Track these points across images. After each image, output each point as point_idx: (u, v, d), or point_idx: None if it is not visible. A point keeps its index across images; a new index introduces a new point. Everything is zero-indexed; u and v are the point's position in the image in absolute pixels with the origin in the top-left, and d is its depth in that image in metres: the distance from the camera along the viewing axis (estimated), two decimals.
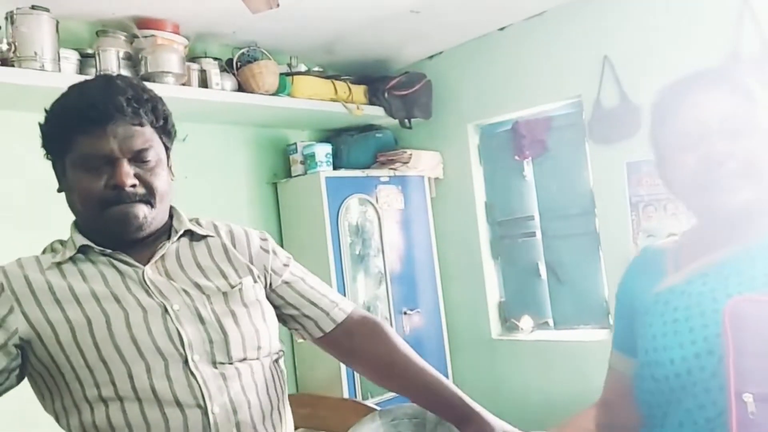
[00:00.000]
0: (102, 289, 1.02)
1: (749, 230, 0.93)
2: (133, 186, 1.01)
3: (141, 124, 1.02)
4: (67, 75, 2.24)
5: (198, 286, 1.06)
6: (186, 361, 0.99)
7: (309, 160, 3.14)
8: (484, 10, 2.90)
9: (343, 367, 2.94)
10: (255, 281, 1.13)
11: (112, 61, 2.34)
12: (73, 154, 1.02)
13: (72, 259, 1.05)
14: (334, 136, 3.45)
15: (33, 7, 2.12)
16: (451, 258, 3.45)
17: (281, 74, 2.92)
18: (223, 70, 2.77)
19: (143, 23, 2.54)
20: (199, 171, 2.94)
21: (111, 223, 1.03)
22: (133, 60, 2.49)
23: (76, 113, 1.00)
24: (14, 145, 2.39)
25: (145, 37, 2.52)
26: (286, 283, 1.20)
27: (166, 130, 1.08)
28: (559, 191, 3.12)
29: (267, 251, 1.20)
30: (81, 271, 1.03)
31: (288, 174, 3.24)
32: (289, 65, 3.09)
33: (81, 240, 1.05)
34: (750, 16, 2.35)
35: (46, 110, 1.05)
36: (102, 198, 1.01)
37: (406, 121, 3.36)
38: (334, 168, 3.19)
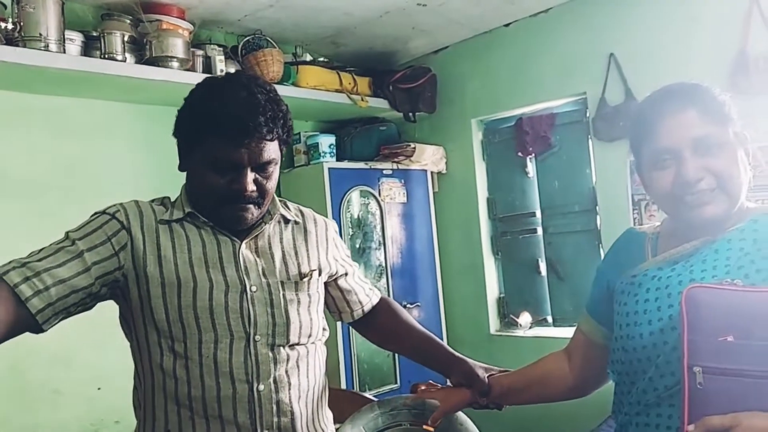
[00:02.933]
0: (199, 254, 1.15)
1: (717, 228, 1.05)
2: (252, 191, 1.14)
3: (271, 140, 1.14)
4: (72, 56, 2.24)
5: (277, 271, 1.20)
6: (248, 340, 1.14)
7: (312, 150, 3.13)
8: (490, 6, 2.89)
9: (341, 358, 2.93)
10: (320, 274, 1.28)
11: (117, 44, 2.34)
12: (204, 151, 1.13)
13: (180, 220, 1.17)
14: (338, 127, 3.44)
15: None
16: (452, 253, 3.44)
17: (286, 63, 2.91)
18: (227, 57, 2.76)
19: (149, 7, 2.53)
20: None
21: (224, 218, 1.16)
22: (138, 44, 2.48)
23: (217, 120, 1.10)
24: (18, 124, 2.39)
25: (151, 21, 2.51)
26: (352, 273, 1.40)
27: (287, 141, 1.21)
28: (562, 188, 3.11)
29: (336, 244, 1.36)
30: (186, 233, 1.17)
31: (291, 164, 3.23)
32: (295, 54, 3.08)
33: (189, 208, 1.18)
34: (758, 15, 2.34)
35: (185, 100, 1.17)
36: (222, 195, 1.13)
37: (411, 114, 3.35)
38: (338, 159, 3.18)
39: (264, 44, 2.85)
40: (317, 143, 3.11)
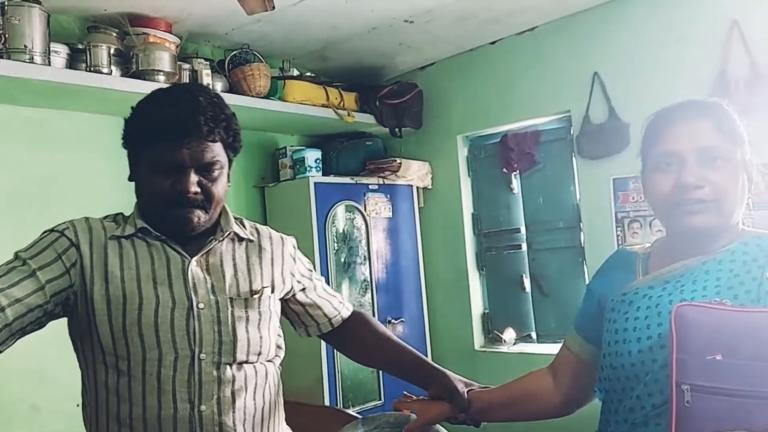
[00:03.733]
0: (147, 270, 1.14)
1: (708, 246, 1.06)
2: (195, 193, 1.14)
3: (213, 141, 1.15)
4: (57, 69, 2.22)
5: (226, 288, 1.18)
6: (193, 358, 1.12)
7: (298, 165, 3.13)
8: (476, 24, 2.92)
9: (325, 374, 2.91)
10: (273, 291, 1.26)
11: (102, 56, 2.32)
12: (149, 155, 1.14)
13: (131, 236, 1.17)
14: (323, 142, 3.45)
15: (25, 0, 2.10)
16: (436, 268, 3.45)
17: (273, 78, 2.91)
18: (214, 71, 2.75)
19: (136, 20, 2.52)
20: None
21: (170, 222, 1.16)
22: (124, 57, 2.47)
23: (158, 122, 1.12)
24: (1, 137, 2.36)
25: (137, 34, 2.50)
26: (313, 287, 1.38)
27: (233, 146, 1.21)
28: (546, 205, 3.14)
29: (295, 259, 1.35)
30: (135, 249, 1.16)
31: (276, 178, 3.23)
32: (282, 69, 3.09)
33: (141, 223, 1.17)
34: (739, 38, 2.39)
35: (132, 108, 1.18)
36: (166, 198, 1.14)
37: (397, 129, 3.36)
38: (323, 174, 3.18)
39: (251, 58, 2.85)
40: (303, 157, 3.11)
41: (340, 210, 3.15)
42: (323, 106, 3.09)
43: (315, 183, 3.04)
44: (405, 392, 1.43)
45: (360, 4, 2.63)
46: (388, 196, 3.34)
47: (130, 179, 1.21)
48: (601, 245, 2.75)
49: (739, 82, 2.36)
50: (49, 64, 2.19)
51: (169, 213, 1.14)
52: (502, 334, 3.22)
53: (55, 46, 2.24)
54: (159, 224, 1.17)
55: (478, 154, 3.37)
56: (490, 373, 3.11)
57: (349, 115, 3.17)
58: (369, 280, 3.22)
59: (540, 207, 3.16)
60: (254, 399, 1.19)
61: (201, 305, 1.14)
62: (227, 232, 1.23)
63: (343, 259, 3.15)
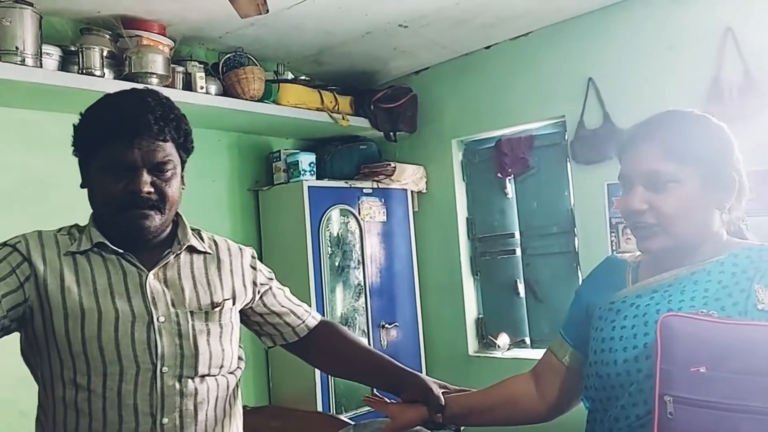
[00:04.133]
0: (104, 285, 1.12)
1: (687, 259, 1.06)
2: (149, 193, 1.12)
3: (164, 140, 1.13)
4: (49, 71, 2.21)
5: (186, 301, 1.17)
6: (155, 372, 1.11)
7: (292, 168, 3.12)
8: (471, 28, 2.92)
9: (317, 380, 2.90)
10: (234, 303, 1.25)
11: (95, 59, 2.31)
12: (100, 158, 1.12)
13: (86, 251, 1.15)
14: (318, 145, 3.44)
15: (16, 1, 2.09)
16: (431, 273, 3.44)
17: (267, 81, 2.90)
18: (208, 74, 2.74)
19: (129, 23, 2.51)
20: None
21: (124, 225, 1.13)
22: (117, 59, 2.45)
23: (108, 123, 1.11)
24: None
25: (131, 37, 2.49)
26: (273, 295, 1.36)
27: (185, 146, 1.20)
28: (540, 210, 3.14)
29: (255, 268, 1.33)
30: (91, 264, 1.14)
31: (270, 182, 3.21)
32: (276, 72, 3.08)
33: (98, 237, 1.15)
34: (733, 44, 2.39)
35: (81, 114, 1.16)
36: (119, 200, 1.11)
37: (391, 134, 3.36)
38: (318, 178, 3.17)
39: (245, 62, 2.84)
40: (297, 161, 3.10)
41: (334, 214, 3.13)
42: (318, 109, 3.08)
43: (309, 187, 3.02)
44: (375, 391, 1.42)
45: (354, 8, 2.62)
46: (383, 200, 3.33)
47: (82, 186, 1.19)
48: (596, 251, 2.75)
49: (733, 89, 2.36)
50: (41, 66, 2.17)
51: (122, 216, 1.12)
52: (496, 339, 3.22)
53: (47, 48, 2.22)
54: (115, 236, 1.15)
55: (473, 159, 3.37)
56: (483, 378, 3.07)
57: (343, 118, 3.16)
58: (363, 284, 3.20)
59: (534, 212, 3.16)
60: (215, 411, 1.18)
61: (161, 319, 1.13)
62: (184, 245, 1.21)
63: (337, 263, 3.13)
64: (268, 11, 1.94)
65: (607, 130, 2.71)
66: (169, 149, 1.14)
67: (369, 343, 3.16)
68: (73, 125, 1.17)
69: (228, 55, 2.84)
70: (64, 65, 2.30)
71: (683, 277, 1.05)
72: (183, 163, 1.21)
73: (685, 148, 1.04)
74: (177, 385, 1.12)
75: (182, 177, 1.21)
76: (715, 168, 1.04)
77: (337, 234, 3.16)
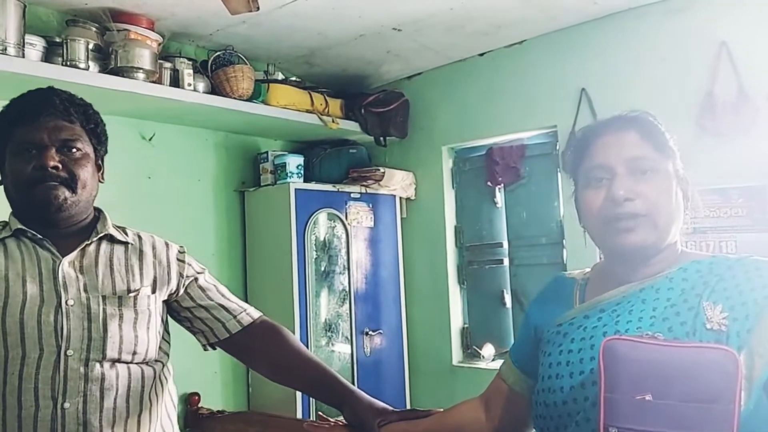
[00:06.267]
0: (17, 270, 1.13)
1: (645, 268, 1.01)
2: (56, 168, 1.14)
3: (71, 121, 1.18)
4: (32, 62, 2.15)
5: (100, 286, 1.17)
6: (59, 354, 1.09)
7: (280, 170, 3.07)
8: (465, 35, 2.89)
9: None
10: (153, 292, 1.24)
11: (80, 51, 2.25)
12: (11, 145, 1.17)
13: (4, 239, 1.17)
14: (306, 148, 3.39)
15: None
16: (417, 280, 3.40)
17: (257, 81, 2.86)
18: (196, 71, 2.69)
19: (117, 16, 2.46)
20: (164, 172, 2.85)
21: (34, 201, 1.15)
22: (103, 53, 2.40)
23: (14, 110, 1.18)
24: None
25: (118, 30, 2.43)
26: (200, 288, 1.33)
27: (95, 133, 1.23)
28: (530, 220, 3.11)
29: (183, 261, 1.32)
30: (6, 250, 1.16)
31: (257, 183, 3.16)
32: (266, 72, 3.04)
33: (16, 224, 1.18)
34: (727, 59, 2.38)
35: None
36: (29, 178, 1.14)
37: (381, 138, 3.32)
38: (305, 180, 3.12)
39: (235, 60, 2.79)
40: (285, 163, 3.05)
41: (321, 217, 3.09)
42: (307, 111, 3.04)
43: (296, 189, 2.98)
44: (320, 413, 1.36)
45: (348, 10, 2.59)
46: (370, 206, 3.29)
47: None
48: (584, 263, 2.70)
49: (727, 104, 2.35)
50: (23, 57, 2.11)
51: (32, 193, 1.14)
52: (480, 349, 3.18)
53: (30, 39, 2.17)
54: (33, 222, 1.18)
55: (463, 166, 3.34)
56: (467, 389, 3.04)
57: (333, 121, 3.12)
58: (348, 290, 3.16)
59: (523, 222, 3.13)
60: (127, 401, 1.15)
61: (71, 302, 1.13)
62: (102, 233, 1.23)
63: (322, 268, 3.08)
64: (258, 9, 1.90)
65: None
66: (77, 131, 1.18)
67: (352, 350, 3.12)
68: None
69: (218, 53, 2.79)
70: (48, 56, 2.24)
71: (631, 294, 1.00)
72: (97, 153, 1.24)
73: (659, 138, 1.02)
74: (82, 369, 1.11)
75: (100, 170, 1.25)
76: (679, 167, 1.03)
77: (324, 238, 3.11)
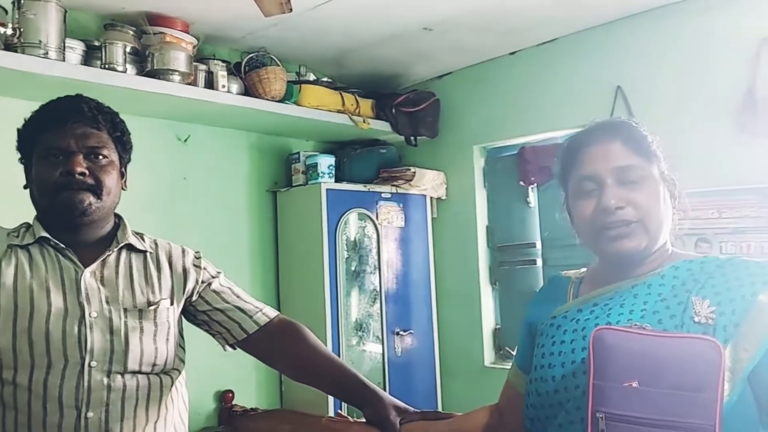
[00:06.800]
0: (41, 279, 1.15)
1: (640, 269, 1.04)
2: (83, 174, 1.16)
3: (98, 129, 1.19)
4: (72, 65, 2.20)
5: (121, 299, 1.19)
6: (83, 366, 1.12)
7: (311, 170, 3.09)
8: (496, 33, 2.87)
9: None
10: (172, 303, 1.25)
11: (118, 54, 2.30)
12: (38, 150, 1.18)
13: (27, 246, 1.18)
14: (337, 148, 3.41)
15: None
16: (448, 280, 3.39)
17: (289, 82, 2.88)
18: (230, 73, 2.73)
19: (153, 19, 2.51)
20: (199, 173, 2.90)
21: (60, 206, 1.17)
22: (140, 56, 2.45)
23: (43, 116, 1.20)
24: (13, 132, 2.34)
25: (154, 33, 2.48)
26: (215, 291, 1.33)
27: (121, 141, 1.24)
28: (563, 220, 3.06)
29: (199, 266, 1.34)
30: (30, 258, 1.17)
31: (288, 183, 3.19)
32: (298, 73, 3.06)
33: (40, 231, 1.19)
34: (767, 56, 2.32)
35: (24, 119, 1.23)
36: (55, 183, 1.16)
37: (412, 138, 3.32)
38: (336, 180, 3.14)
39: (267, 62, 2.83)
40: (316, 163, 3.07)
41: (351, 217, 3.10)
42: (338, 111, 3.05)
43: (327, 189, 2.99)
44: (339, 411, 1.36)
45: (379, 11, 2.59)
46: (401, 205, 3.29)
47: (25, 187, 1.24)
48: None
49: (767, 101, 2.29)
50: (64, 60, 2.17)
51: (58, 198, 1.16)
52: (513, 350, 3.15)
53: (70, 42, 2.22)
54: (57, 232, 1.19)
55: (495, 166, 3.31)
56: (499, 391, 3.03)
57: (364, 121, 3.13)
58: (378, 289, 3.16)
59: (556, 222, 3.08)
60: (147, 410, 1.17)
61: (94, 314, 1.15)
62: (122, 243, 1.24)
63: (353, 268, 3.10)
64: (291, 10, 1.92)
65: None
66: (104, 138, 1.20)
67: (383, 350, 3.13)
68: (17, 130, 1.23)
69: (250, 55, 2.82)
70: (87, 60, 2.30)
71: (624, 290, 1.03)
72: (122, 160, 1.25)
73: (644, 145, 1.04)
74: (105, 380, 1.13)
75: (124, 177, 1.27)
76: (664, 169, 1.06)
77: (354, 238, 3.12)
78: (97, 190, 1.18)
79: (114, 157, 1.22)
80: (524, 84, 3.08)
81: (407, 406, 1.27)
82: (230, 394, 2.87)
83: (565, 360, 1.01)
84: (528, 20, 2.74)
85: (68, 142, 1.16)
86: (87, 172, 1.16)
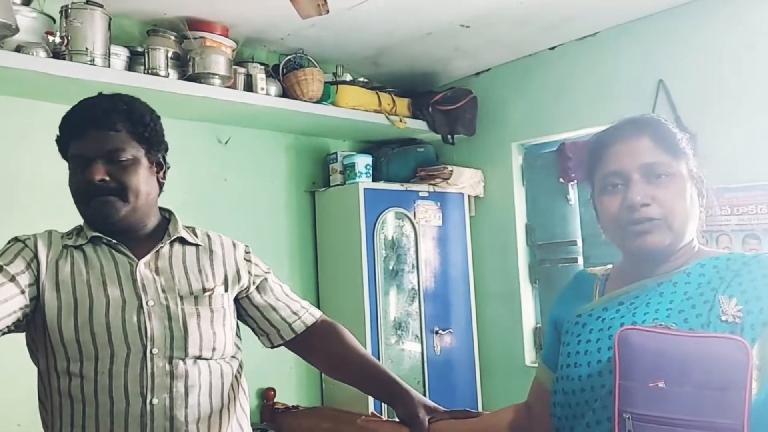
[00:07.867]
0: (97, 275, 1.18)
1: (664, 267, 1.04)
2: (103, 181, 1.16)
3: (116, 130, 1.18)
4: (117, 71, 2.27)
5: (176, 287, 1.21)
6: (145, 353, 1.14)
7: (349, 170, 3.11)
8: (535, 28, 2.84)
9: None
10: (226, 290, 1.27)
11: (160, 59, 2.36)
12: (69, 159, 1.21)
13: (82, 246, 1.21)
14: (374, 147, 3.42)
15: (87, 2, 2.16)
16: (487, 279, 3.36)
17: (326, 83, 2.91)
18: (268, 75, 2.77)
19: (194, 25, 2.56)
20: (239, 174, 2.94)
21: (90, 215, 1.20)
22: (181, 60, 2.50)
23: (66, 123, 1.21)
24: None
25: (195, 38, 2.53)
26: (269, 288, 1.36)
27: (146, 138, 1.22)
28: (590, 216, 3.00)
29: (249, 261, 1.35)
30: (85, 257, 1.20)
31: (326, 183, 3.22)
32: (335, 74, 3.08)
33: (92, 232, 1.22)
34: None
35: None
36: (82, 192, 1.18)
37: (449, 136, 3.30)
38: (374, 180, 3.15)
39: (305, 63, 2.85)
40: (353, 163, 3.09)
41: (389, 217, 3.11)
42: (375, 111, 3.06)
43: (365, 189, 3.01)
44: (372, 411, 1.36)
45: (415, 8, 2.59)
46: (439, 204, 3.28)
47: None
48: None
49: None
50: (110, 67, 2.23)
51: (87, 207, 1.18)
52: None
53: (115, 49, 2.29)
54: (105, 232, 1.21)
55: (534, 163, 3.27)
56: None
57: (401, 121, 3.13)
58: (417, 288, 3.16)
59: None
60: (210, 398, 1.19)
61: (151, 303, 1.17)
62: (174, 236, 1.26)
63: (391, 267, 3.10)
64: (328, 11, 1.93)
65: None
66: (122, 138, 1.18)
67: (422, 349, 3.12)
68: (55, 140, 1.24)
69: (288, 57, 2.86)
70: (131, 65, 2.37)
71: (649, 288, 1.03)
72: (151, 153, 1.23)
73: (671, 142, 1.04)
74: (167, 366, 1.15)
75: (162, 169, 1.26)
76: (693, 167, 1.05)
77: (392, 237, 3.13)
78: (122, 193, 1.18)
79: (138, 154, 1.20)
80: (564, 79, 3.03)
81: (437, 405, 1.28)
82: (272, 392, 2.91)
83: (591, 359, 1.01)
84: (568, 14, 2.70)
85: (86, 149, 1.17)
86: (108, 177, 1.16)
